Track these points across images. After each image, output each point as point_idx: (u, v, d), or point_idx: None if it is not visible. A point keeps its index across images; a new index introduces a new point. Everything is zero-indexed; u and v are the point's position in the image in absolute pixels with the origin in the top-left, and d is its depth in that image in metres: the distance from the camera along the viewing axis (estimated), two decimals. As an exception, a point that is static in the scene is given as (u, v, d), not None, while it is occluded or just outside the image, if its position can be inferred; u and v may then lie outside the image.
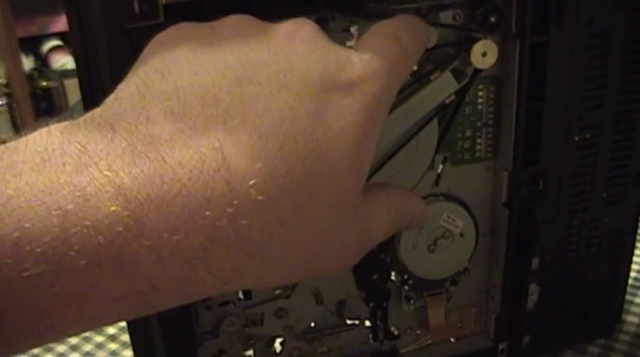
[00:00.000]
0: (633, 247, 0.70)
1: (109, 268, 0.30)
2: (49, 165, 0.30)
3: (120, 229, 0.30)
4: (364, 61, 0.39)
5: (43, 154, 0.31)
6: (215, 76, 0.35)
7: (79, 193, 0.29)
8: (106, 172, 0.30)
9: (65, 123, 0.33)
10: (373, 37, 0.42)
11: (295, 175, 0.34)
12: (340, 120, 0.36)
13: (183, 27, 0.43)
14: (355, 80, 0.38)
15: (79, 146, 0.31)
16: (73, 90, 2.44)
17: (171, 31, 0.42)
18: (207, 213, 0.32)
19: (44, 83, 2.61)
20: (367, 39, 0.42)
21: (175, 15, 0.49)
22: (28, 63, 2.62)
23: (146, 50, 0.42)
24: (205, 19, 0.49)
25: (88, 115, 0.35)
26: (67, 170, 0.30)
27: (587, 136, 0.62)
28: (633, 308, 0.79)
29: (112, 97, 0.37)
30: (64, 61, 2.66)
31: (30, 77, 2.59)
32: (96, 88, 0.50)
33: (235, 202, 0.32)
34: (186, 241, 0.31)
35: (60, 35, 2.72)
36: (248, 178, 0.32)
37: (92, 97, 0.50)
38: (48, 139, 0.31)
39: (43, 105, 2.59)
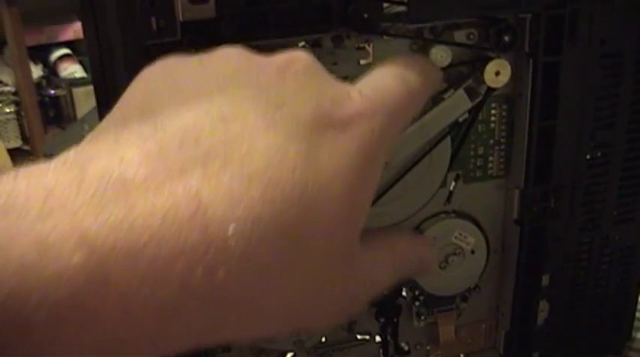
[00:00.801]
0: (643, 265, 0.70)
1: (71, 323, 0.27)
2: (12, 211, 0.27)
3: (83, 281, 0.27)
4: (365, 96, 0.37)
5: (8, 199, 0.28)
6: (198, 113, 0.33)
7: (40, 242, 0.27)
8: (70, 219, 0.28)
9: (34, 166, 0.30)
10: (378, 74, 0.40)
11: (281, 221, 0.31)
12: (334, 161, 0.34)
13: (170, 61, 0.40)
14: (354, 116, 0.35)
15: (45, 190, 0.28)
16: (81, 98, 2.45)
17: (156, 66, 0.40)
18: (180, 263, 0.29)
19: (52, 91, 2.62)
20: (371, 75, 0.40)
21: (192, 32, 0.49)
22: (36, 71, 2.63)
23: (129, 87, 0.39)
24: (222, 39, 0.50)
25: (61, 156, 0.31)
26: (29, 216, 0.27)
27: (599, 154, 0.63)
28: (642, 325, 0.79)
29: (88, 137, 0.35)
30: (72, 69, 2.67)
31: (38, 85, 2.60)
32: (113, 105, 0.50)
33: (211, 250, 0.29)
34: (157, 293, 0.29)
35: (68, 44, 2.73)
36: (226, 225, 0.30)
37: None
38: (14, 183, 0.28)
39: (51, 113, 2.60)
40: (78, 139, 0.90)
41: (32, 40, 2.56)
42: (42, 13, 2.56)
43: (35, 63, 2.62)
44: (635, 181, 0.65)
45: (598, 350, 0.74)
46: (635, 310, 0.73)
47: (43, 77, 2.67)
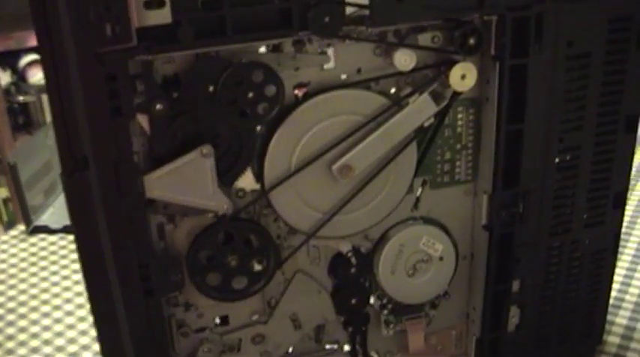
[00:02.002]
0: (614, 268, 0.70)
1: None
2: None
3: None
4: None
5: None
6: None
7: None
8: None
9: None
10: None
11: None
12: None
13: None
14: None
15: None
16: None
17: None
18: None
19: (21, 98, 2.57)
20: None
21: (148, 38, 0.48)
22: (5, 77, 2.58)
23: None
24: (179, 44, 0.48)
25: None
26: None
27: (567, 157, 0.62)
28: (614, 329, 0.79)
29: None
30: (41, 75, 2.62)
31: (7, 92, 2.56)
32: (67, 114, 0.48)
33: None
34: None
35: (38, 50, 2.68)
36: None
37: (64, 126, 0.49)
38: None
39: (20, 120, 2.56)
40: (43, 146, 0.88)
41: (1, 45, 2.52)
42: (10, 19, 2.52)
43: (4, 69, 2.58)
44: (604, 184, 0.64)
45: (570, 355, 0.73)
46: (606, 313, 0.73)
47: (11, 84, 2.62)
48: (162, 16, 0.48)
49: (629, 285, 0.86)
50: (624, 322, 0.80)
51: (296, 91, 0.54)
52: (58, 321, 0.83)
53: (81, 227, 0.52)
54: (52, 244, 1.00)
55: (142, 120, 0.52)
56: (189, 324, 0.60)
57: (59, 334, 0.81)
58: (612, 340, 0.77)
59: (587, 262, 0.68)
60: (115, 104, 0.49)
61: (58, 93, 0.48)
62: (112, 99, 0.49)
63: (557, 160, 0.61)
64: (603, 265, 0.69)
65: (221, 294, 0.57)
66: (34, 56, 2.64)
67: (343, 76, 0.55)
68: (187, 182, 0.53)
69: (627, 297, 0.84)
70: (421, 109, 0.56)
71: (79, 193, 0.51)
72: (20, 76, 2.65)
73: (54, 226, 1.03)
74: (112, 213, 0.52)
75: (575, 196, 0.64)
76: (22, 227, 1.04)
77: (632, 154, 0.64)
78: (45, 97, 2.47)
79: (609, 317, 0.76)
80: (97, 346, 0.73)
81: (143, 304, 0.55)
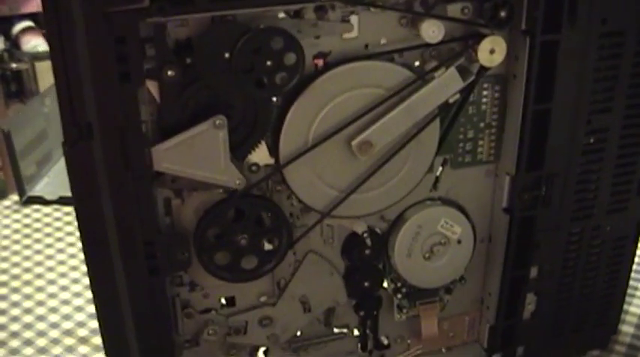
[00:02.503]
0: (634, 256, 0.67)
1: None
2: None
3: None
4: None
5: None
6: None
7: None
8: None
9: None
10: None
11: None
12: None
13: None
14: None
15: None
16: (44, 72, 2.37)
17: None
18: None
19: (14, 65, 2.53)
20: None
21: (163, 0, 0.44)
22: (-3, 44, 2.54)
23: None
24: (195, 6, 0.45)
25: None
26: None
27: (593, 140, 0.59)
28: (628, 318, 0.76)
29: None
30: (35, 42, 2.57)
31: (0, 59, 2.52)
32: (71, 79, 0.45)
33: None
34: None
35: (32, 16, 2.63)
36: None
37: (68, 91, 0.45)
38: None
39: (13, 87, 2.51)
40: (38, 115, 0.84)
41: (-7, 11, 2.47)
42: (4, -16, 2.47)
43: (-4, 35, 2.53)
44: (630, 169, 0.61)
45: (584, 344, 0.71)
46: (622, 303, 0.70)
47: (4, 50, 2.57)
48: (177, -25, 0.44)
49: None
50: (639, 311, 0.78)
51: (316, 61, 0.51)
52: (52, 296, 0.80)
53: (83, 201, 0.49)
54: (47, 215, 0.97)
55: (152, 87, 0.49)
56: (194, 305, 0.57)
57: (53, 310, 0.78)
58: (626, 329, 0.75)
59: (607, 250, 0.65)
60: (124, 69, 0.46)
61: (62, 55, 0.45)
62: (120, 63, 0.46)
63: (583, 142, 0.59)
64: (623, 253, 0.66)
65: (230, 274, 0.54)
66: (28, 23, 2.60)
67: (367, 47, 0.52)
68: (198, 155, 0.50)
69: (640, 285, 0.82)
70: (447, 84, 0.53)
71: (82, 164, 0.48)
72: (13, 43, 2.60)
73: (49, 196, 0.99)
74: (116, 186, 0.49)
75: (599, 181, 0.61)
76: (15, 197, 1.01)
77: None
78: (39, 65, 2.43)
79: (624, 306, 0.74)
80: (93, 324, 0.71)
81: (147, 283, 0.52)
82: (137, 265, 0.51)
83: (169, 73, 0.48)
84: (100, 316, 0.53)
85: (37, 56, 2.51)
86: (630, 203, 0.63)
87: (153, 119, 0.50)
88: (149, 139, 0.50)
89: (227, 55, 0.48)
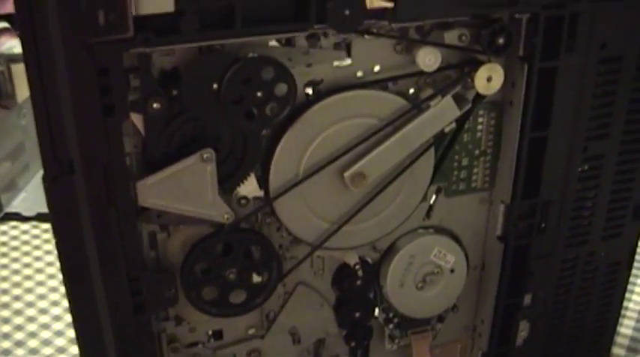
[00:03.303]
0: (627, 281, 0.66)
1: None
2: None
3: None
4: None
5: None
6: None
7: None
8: None
9: None
10: None
11: None
12: None
13: None
14: None
15: None
16: (20, 75, 2.33)
17: None
18: None
19: (-11, 66, 2.49)
20: None
21: (147, 29, 0.42)
22: (-28, 44, 2.49)
23: None
24: (182, 37, 0.43)
25: None
26: None
27: (588, 167, 0.57)
28: (619, 339, 0.75)
29: None
30: (10, 44, 2.53)
31: (-26, 60, 2.47)
32: (51, 112, 0.43)
33: None
34: None
35: (7, 17, 2.59)
36: None
37: (48, 125, 0.43)
38: None
39: (-13, 89, 2.48)
40: (15, 127, 0.81)
41: (-33, 10, 2.42)
42: (-22, -18, 2.42)
43: (-29, 36, 2.49)
44: (626, 195, 0.60)
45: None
46: (615, 327, 0.69)
47: (-22, 51, 2.53)
48: (164, 3, 0.42)
49: (632, 292, 0.83)
50: (629, 332, 0.77)
51: (307, 90, 0.49)
52: (31, 320, 0.78)
53: (65, 237, 0.47)
54: (25, 232, 0.94)
55: (136, 119, 0.46)
56: (181, 339, 0.55)
57: (32, 335, 0.75)
58: (617, 351, 0.74)
59: (601, 275, 0.64)
60: (107, 102, 0.44)
61: (42, 87, 0.43)
62: (103, 95, 0.43)
63: (579, 169, 0.57)
64: (617, 278, 0.65)
65: (218, 309, 0.52)
66: (3, 24, 2.56)
67: (359, 75, 0.50)
68: (185, 189, 0.48)
69: (631, 305, 0.81)
70: (443, 113, 0.51)
71: (63, 200, 0.45)
72: (-12, 44, 2.56)
73: (26, 213, 0.96)
74: (99, 222, 0.46)
75: (595, 207, 0.60)
76: (-10, 214, 0.98)
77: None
78: (15, 67, 2.39)
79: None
80: (74, 349, 0.69)
81: (132, 321, 0.50)
82: (122, 302, 0.49)
83: (155, 105, 0.45)
84: (83, 354, 0.51)
85: (12, 58, 2.46)
86: (625, 228, 0.62)
87: (138, 152, 0.47)
88: (134, 174, 0.47)
89: (215, 85, 0.46)
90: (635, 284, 0.83)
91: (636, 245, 0.64)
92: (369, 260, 0.57)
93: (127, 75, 0.44)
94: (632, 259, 0.65)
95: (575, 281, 0.63)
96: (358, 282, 0.56)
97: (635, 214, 0.62)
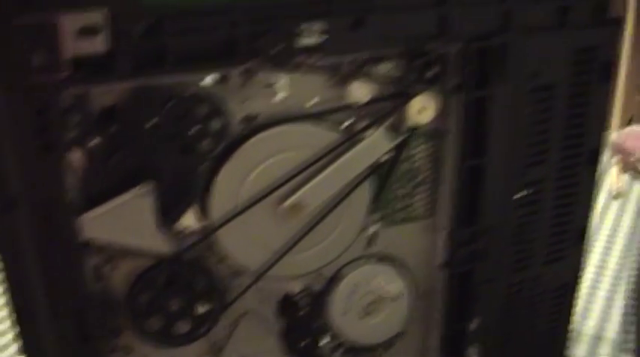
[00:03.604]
0: (574, 303, 0.67)
1: None
2: None
3: None
4: None
5: None
6: None
7: None
8: None
9: None
10: None
11: None
12: None
13: None
14: None
15: None
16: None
17: None
18: None
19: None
20: None
21: (81, 69, 0.44)
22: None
23: None
24: (116, 76, 0.44)
25: None
26: None
27: (529, 192, 0.59)
28: (572, 362, 0.76)
29: None
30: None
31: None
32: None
33: None
34: None
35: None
36: None
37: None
38: None
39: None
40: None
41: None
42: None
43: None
44: (567, 219, 0.62)
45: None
46: (564, 348, 0.70)
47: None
48: (96, 44, 0.43)
49: (586, 318, 0.84)
50: (583, 355, 0.78)
51: (243, 124, 0.50)
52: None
53: (10, 271, 0.48)
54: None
55: (77, 156, 0.48)
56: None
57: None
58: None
59: (548, 299, 0.65)
60: (46, 140, 0.45)
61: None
62: (41, 134, 0.45)
63: (518, 195, 0.59)
64: (564, 302, 0.66)
65: (163, 339, 0.53)
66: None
67: (294, 108, 0.51)
68: (126, 222, 0.49)
69: (584, 329, 0.82)
70: (377, 145, 0.53)
71: (7, 236, 0.47)
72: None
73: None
74: (44, 256, 0.48)
75: (536, 232, 0.61)
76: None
77: (594, 189, 0.62)
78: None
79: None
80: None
81: (79, 351, 0.51)
82: (68, 334, 0.50)
83: (93, 142, 0.47)
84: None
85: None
86: (569, 252, 0.64)
87: (80, 187, 0.49)
88: (76, 208, 0.49)
89: (151, 122, 0.47)
90: (589, 310, 0.84)
91: (580, 268, 0.65)
92: (314, 289, 0.58)
93: (66, 113, 0.46)
94: (577, 282, 0.66)
95: (523, 305, 0.64)
96: (303, 310, 0.57)
97: (578, 238, 0.63)
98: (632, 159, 1.18)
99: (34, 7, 0.42)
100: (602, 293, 0.87)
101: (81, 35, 0.43)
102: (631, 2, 1.87)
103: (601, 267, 0.91)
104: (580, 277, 0.66)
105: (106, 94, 0.47)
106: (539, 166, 0.58)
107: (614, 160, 1.18)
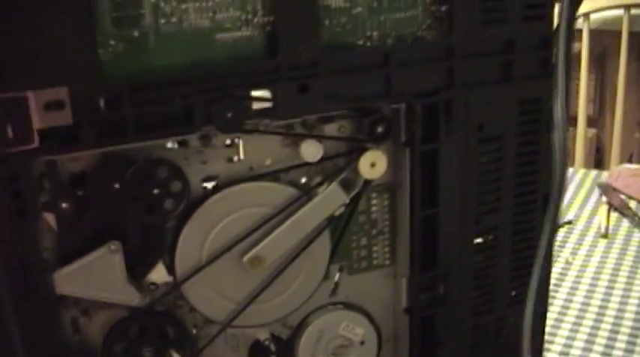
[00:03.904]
0: (543, 344, 0.70)
1: None
2: None
3: None
4: None
5: None
6: None
7: None
8: None
9: None
10: None
11: None
12: None
13: None
14: None
15: None
16: None
17: None
18: None
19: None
20: None
21: (50, 139, 0.48)
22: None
23: None
24: (81, 145, 0.48)
25: None
26: None
27: (483, 239, 0.62)
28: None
29: None
30: None
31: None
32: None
33: None
34: None
35: None
36: None
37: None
38: None
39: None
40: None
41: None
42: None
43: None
44: (526, 262, 0.64)
45: None
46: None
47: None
48: (62, 117, 0.48)
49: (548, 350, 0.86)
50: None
51: (204, 185, 0.54)
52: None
53: (-11, 327, 0.52)
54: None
55: (50, 218, 0.52)
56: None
57: None
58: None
59: (514, 340, 0.67)
60: (20, 204, 0.49)
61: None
62: (16, 199, 0.49)
63: (476, 241, 0.62)
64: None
65: (137, 387, 0.57)
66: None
67: (252, 168, 0.55)
68: (97, 278, 0.53)
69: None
70: (331, 199, 0.56)
71: (-15, 293, 0.51)
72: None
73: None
74: (21, 311, 0.51)
75: (496, 276, 0.64)
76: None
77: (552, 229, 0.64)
78: None
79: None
80: None
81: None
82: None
83: (64, 205, 0.51)
84: None
85: None
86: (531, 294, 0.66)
87: (54, 246, 0.53)
88: (52, 265, 0.53)
89: (117, 185, 0.51)
90: (548, 350, 0.86)
91: (546, 307, 0.68)
92: (282, 336, 0.61)
93: (39, 179, 0.50)
94: (543, 322, 0.68)
95: (489, 347, 0.67)
96: (273, 356, 0.61)
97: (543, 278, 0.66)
98: (622, 197, 1.20)
99: (4, 85, 0.46)
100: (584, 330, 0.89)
101: (48, 109, 0.48)
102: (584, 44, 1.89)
103: (586, 304, 0.93)
104: (545, 315, 0.68)
105: (74, 161, 0.51)
106: (494, 213, 0.62)
107: (604, 199, 1.20)
